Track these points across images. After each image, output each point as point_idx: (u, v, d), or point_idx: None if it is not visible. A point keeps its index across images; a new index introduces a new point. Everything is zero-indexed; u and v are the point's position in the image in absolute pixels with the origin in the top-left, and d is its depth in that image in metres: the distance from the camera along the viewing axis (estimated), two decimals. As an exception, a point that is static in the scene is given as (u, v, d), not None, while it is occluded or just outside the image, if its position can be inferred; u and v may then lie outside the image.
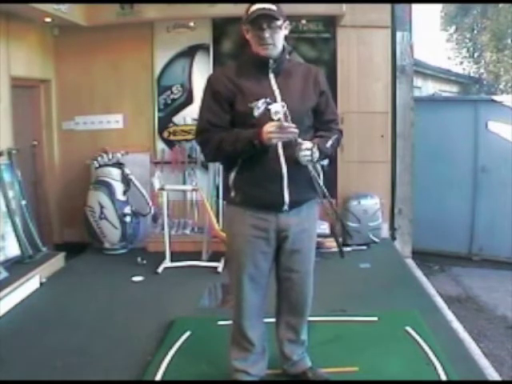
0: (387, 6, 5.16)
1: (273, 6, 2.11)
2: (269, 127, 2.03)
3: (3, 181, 4.23)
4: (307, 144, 2.08)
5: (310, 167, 2.15)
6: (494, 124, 5.90)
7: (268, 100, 2.08)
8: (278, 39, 2.15)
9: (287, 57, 2.25)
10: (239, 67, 2.26)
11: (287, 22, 2.20)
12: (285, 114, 2.05)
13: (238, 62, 2.32)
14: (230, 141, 2.12)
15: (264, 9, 2.09)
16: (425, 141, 5.75)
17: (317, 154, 2.12)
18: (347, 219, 4.99)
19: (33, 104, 5.28)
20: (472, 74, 13.91)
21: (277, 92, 2.16)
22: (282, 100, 2.11)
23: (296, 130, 2.04)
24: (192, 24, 5.21)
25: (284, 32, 2.19)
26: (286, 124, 2.03)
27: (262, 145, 2.06)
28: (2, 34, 4.40)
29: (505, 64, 12.80)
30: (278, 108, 2.05)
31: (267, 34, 2.11)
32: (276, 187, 2.16)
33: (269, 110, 2.04)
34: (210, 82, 2.26)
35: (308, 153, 2.08)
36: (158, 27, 5.23)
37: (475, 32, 14.14)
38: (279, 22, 2.13)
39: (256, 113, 2.07)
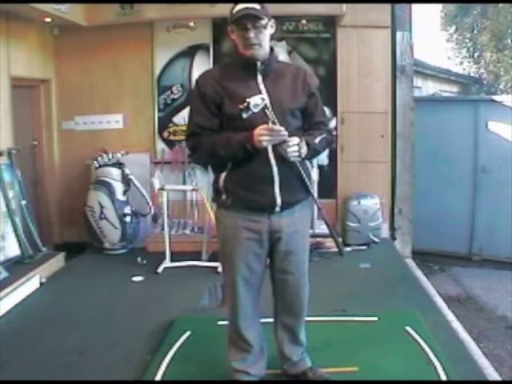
0: (387, 6, 5.16)
1: (257, 6, 2.09)
2: (259, 130, 2.02)
3: (3, 181, 4.23)
4: (294, 140, 2.07)
5: (298, 164, 2.13)
6: (494, 124, 5.89)
7: (262, 96, 2.06)
8: (263, 39, 2.13)
9: (279, 58, 2.23)
10: (227, 69, 2.25)
11: (272, 21, 2.18)
12: (265, 106, 2.04)
13: (226, 64, 2.30)
14: (221, 145, 2.10)
15: (248, 8, 2.07)
16: (425, 141, 5.74)
17: (304, 149, 2.10)
18: (347, 219, 5.00)
19: (33, 104, 5.28)
20: (472, 74, 13.91)
21: (264, 92, 2.13)
22: (271, 101, 2.10)
23: (285, 133, 2.03)
24: (192, 24, 5.21)
25: (269, 31, 2.17)
26: (276, 127, 2.03)
27: (254, 148, 2.05)
28: (2, 34, 4.40)
29: (505, 64, 12.79)
30: (258, 101, 2.03)
31: (252, 34, 2.09)
32: (267, 189, 2.15)
33: (248, 104, 2.01)
34: (198, 84, 2.24)
35: (295, 148, 2.06)
36: (157, 27, 5.24)
37: (475, 32, 14.13)
38: (264, 22, 2.10)
39: (255, 109, 2.03)
